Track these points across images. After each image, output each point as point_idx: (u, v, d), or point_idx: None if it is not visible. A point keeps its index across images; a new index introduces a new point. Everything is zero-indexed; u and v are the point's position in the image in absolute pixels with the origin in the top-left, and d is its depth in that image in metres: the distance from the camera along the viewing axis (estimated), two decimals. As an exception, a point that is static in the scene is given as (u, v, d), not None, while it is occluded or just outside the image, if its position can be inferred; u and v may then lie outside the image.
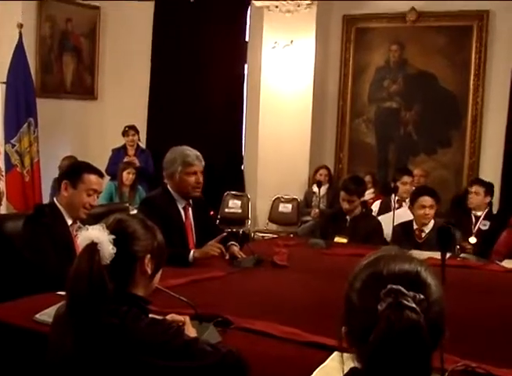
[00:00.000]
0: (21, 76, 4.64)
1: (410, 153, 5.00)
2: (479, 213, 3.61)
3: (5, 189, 4.44)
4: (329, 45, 5.15)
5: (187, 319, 1.40)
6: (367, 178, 4.46)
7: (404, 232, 3.10)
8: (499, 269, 2.58)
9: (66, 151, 5.03)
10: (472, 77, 4.73)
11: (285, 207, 5.13)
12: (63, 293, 1.28)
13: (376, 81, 5.06)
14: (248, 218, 5.29)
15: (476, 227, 3.57)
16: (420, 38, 4.88)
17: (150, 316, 1.25)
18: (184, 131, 5.24)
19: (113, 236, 1.17)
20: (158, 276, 1.31)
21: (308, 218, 4.75)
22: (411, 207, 3.15)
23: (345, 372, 0.86)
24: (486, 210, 3.64)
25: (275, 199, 5.16)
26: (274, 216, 5.18)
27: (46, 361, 1.23)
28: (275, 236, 4.35)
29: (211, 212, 3.21)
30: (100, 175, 2.26)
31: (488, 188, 3.62)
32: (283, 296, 1.99)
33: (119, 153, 5.00)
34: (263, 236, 4.93)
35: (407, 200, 3.79)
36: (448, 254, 2.36)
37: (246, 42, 5.39)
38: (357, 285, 0.84)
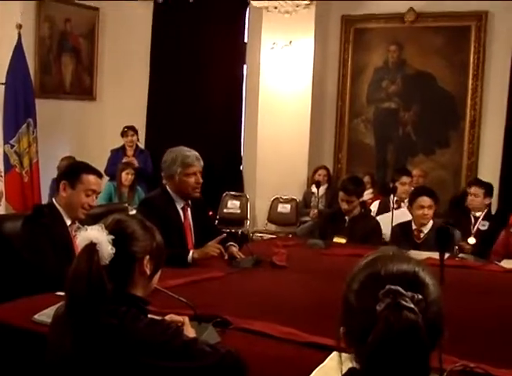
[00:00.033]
0: (20, 76, 4.64)
1: (409, 153, 5.01)
2: (478, 214, 3.61)
3: (4, 189, 4.44)
4: (327, 45, 5.15)
5: (186, 319, 1.41)
6: (366, 179, 4.47)
7: (403, 232, 3.10)
8: (497, 270, 2.59)
9: (65, 152, 5.03)
10: (471, 78, 4.73)
11: (284, 208, 5.13)
12: (61, 293, 1.28)
13: (374, 81, 5.06)
14: (247, 218, 5.30)
15: (475, 228, 3.57)
16: (419, 39, 4.88)
17: (149, 316, 1.25)
18: (183, 132, 5.24)
19: (112, 237, 1.17)
20: (157, 276, 1.31)
21: (307, 218, 4.75)
22: (410, 208, 3.16)
23: (344, 372, 0.86)
24: (485, 210, 3.64)
25: (274, 199, 5.17)
26: (273, 216, 5.18)
27: (45, 361, 1.23)
28: (274, 236, 4.34)
29: (210, 213, 3.22)
30: (99, 175, 2.26)
31: (488, 189, 3.62)
32: (282, 296, 1.99)
33: (118, 153, 5.00)
34: (262, 237, 4.93)
35: (406, 201, 3.79)
36: (446, 255, 2.36)
37: (245, 43, 5.39)
38: (355, 286, 0.84)
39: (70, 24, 5.38)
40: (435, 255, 2.25)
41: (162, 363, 1.14)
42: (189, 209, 2.59)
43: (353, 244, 2.91)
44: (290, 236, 4.29)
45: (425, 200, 3.02)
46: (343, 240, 3.03)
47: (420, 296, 0.78)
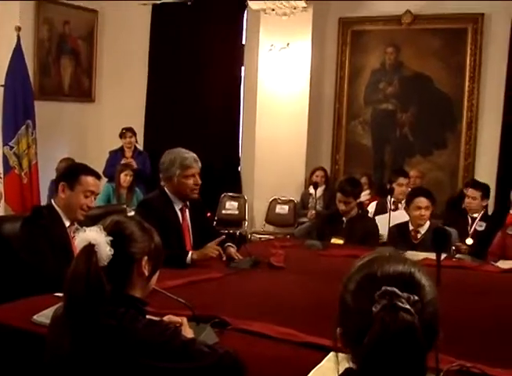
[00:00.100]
0: (19, 78, 4.65)
1: (406, 154, 5.02)
2: (475, 215, 3.63)
3: (3, 191, 4.44)
4: (325, 47, 5.17)
5: (184, 320, 1.41)
6: (363, 180, 4.48)
7: (400, 233, 3.11)
8: (494, 270, 2.60)
9: (64, 153, 5.03)
10: (467, 80, 4.75)
11: (282, 209, 5.14)
12: (60, 294, 1.28)
13: (372, 83, 5.08)
14: (245, 219, 5.30)
15: (472, 228, 3.58)
16: (416, 41, 4.90)
17: (147, 317, 1.25)
18: (181, 133, 5.25)
19: (110, 238, 1.18)
20: (155, 277, 1.31)
21: (305, 219, 4.76)
22: (407, 209, 3.17)
23: (340, 372, 0.86)
24: (482, 212, 3.66)
25: (272, 200, 5.17)
26: (271, 217, 5.19)
27: (44, 362, 1.24)
28: (272, 237, 4.36)
29: (208, 214, 3.22)
30: (97, 176, 2.27)
31: (485, 191, 3.64)
32: (280, 297, 2.00)
33: (116, 155, 5.01)
34: (260, 238, 4.94)
35: (403, 202, 3.81)
36: (443, 255, 2.38)
37: (243, 45, 5.40)
38: (351, 287, 0.84)
39: (69, 26, 5.39)
40: (432, 256, 2.26)
41: (160, 364, 1.14)
42: (187, 210, 2.60)
43: (351, 244, 2.91)
44: (288, 237, 4.30)
45: (422, 201, 3.03)
46: (340, 241, 3.04)
47: (416, 297, 0.79)
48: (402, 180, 4.16)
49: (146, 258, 1.25)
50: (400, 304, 0.77)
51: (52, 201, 2.25)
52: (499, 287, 2.32)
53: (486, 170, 4.67)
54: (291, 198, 5.12)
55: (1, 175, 4.60)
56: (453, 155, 4.88)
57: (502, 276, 2.52)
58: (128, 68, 5.64)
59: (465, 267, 2.61)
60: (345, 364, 0.86)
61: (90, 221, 1.90)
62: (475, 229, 3.57)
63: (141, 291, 1.27)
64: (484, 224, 3.56)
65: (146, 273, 1.26)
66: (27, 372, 1.50)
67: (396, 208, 3.93)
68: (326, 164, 5.15)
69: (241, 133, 5.53)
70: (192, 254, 2.40)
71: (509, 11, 4.53)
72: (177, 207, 2.56)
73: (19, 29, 4.65)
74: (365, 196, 4.48)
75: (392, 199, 3.87)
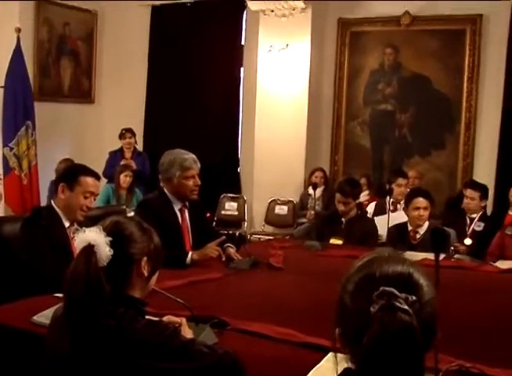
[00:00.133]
0: (19, 80, 4.66)
1: (405, 155, 5.03)
2: (474, 215, 3.64)
3: (3, 192, 4.46)
4: (324, 48, 5.17)
5: (183, 320, 1.41)
6: (362, 181, 4.49)
7: (399, 233, 3.12)
8: (492, 270, 2.61)
9: (63, 154, 5.04)
10: (466, 81, 4.77)
11: (281, 209, 5.15)
12: (60, 295, 1.28)
13: (370, 83, 5.09)
14: (244, 220, 5.31)
15: (470, 229, 3.59)
16: (414, 42, 4.91)
17: (147, 317, 1.25)
18: (181, 134, 5.26)
19: (109, 239, 1.18)
20: (154, 278, 1.32)
21: (304, 220, 4.76)
22: (405, 209, 3.18)
23: (339, 372, 0.86)
24: (481, 212, 3.67)
25: (271, 201, 5.18)
26: (270, 218, 5.19)
27: (44, 363, 1.24)
28: (271, 238, 4.36)
29: (208, 214, 3.23)
30: (97, 177, 2.28)
31: (483, 191, 3.65)
32: (279, 298, 2.00)
33: (116, 155, 5.01)
34: (259, 238, 4.95)
35: (402, 202, 3.82)
36: (442, 256, 2.38)
37: (242, 46, 5.41)
38: (350, 287, 0.85)
39: (69, 28, 5.40)
40: (431, 256, 2.26)
41: (160, 364, 1.15)
42: (186, 211, 2.60)
43: (350, 245, 2.92)
44: (287, 237, 4.30)
45: (421, 202, 3.04)
46: (339, 242, 3.05)
47: (414, 297, 0.79)
48: (400, 181, 4.17)
49: (145, 258, 1.26)
50: (398, 304, 0.77)
51: (52, 202, 2.25)
52: (498, 287, 2.33)
53: (485, 170, 4.68)
54: (290, 199, 5.12)
55: (1, 176, 4.61)
56: (452, 156, 4.89)
57: (500, 276, 2.53)
58: (127, 69, 5.65)
59: (464, 267, 2.62)
60: (344, 364, 0.86)
61: (90, 221, 1.90)
62: (473, 229, 3.58)
63: (140, 291, 1.27)
64: (482, 224, 3.57)
65: (146, 274, 1.26)
66: (27, 372, 1.51)
67: (395, 209, 3.94)
68: (325, 165, 5.16)
69: (240, 134, 5.53)
70: (192, 254, 2.40)
71: (507, 12, 4.54)
72: (176, 208, 2.57)
73: (19, 30, 4.66)
74: (364, 196, 4.48)
75: (391, 199, 3.87)
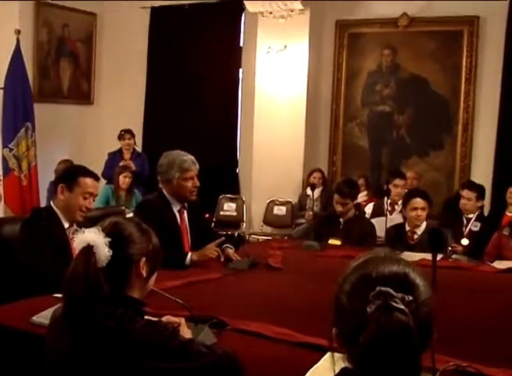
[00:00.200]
0: (19, 81, 4.68)
1: (403, 156, 5.04)
2: (470, 215, 3.65)
3: (2, 192, 4.46)
4: (322, 50, 5.19)
5: (182, 320, 1.42)
6: (360, 181, 4.50)
7: (397, 234, 3.13)
8: (490, 270, 2.62)
9: (63, 155, 5.04)
10: (463, 82, 4.78)
11: (279, 210, 5.15)
12: (59, 295, 1.29)
13: (368, 85, 5.10)
14: (243, 220, 5.31)
15: (467, 229, 3.61)
16: (412, 43, 4.92)
17: (146, 317, 1.26)
18: (180, 135, 5.26)
19: (108, 239, 1.18)
20: (153, 278, 1.32)
21: (302, 220, 4.77)
22: (403, 210, 3.19)
23: (336, 372, 0.87)
24: (478, 212, 3.68)
25: (270, 202, 5.19)
26: (269, 219, 5.20)
27: (43, 363, 1.24)
28: (270, 238, 4.37)
29: (207, 215, 3.24)
30: (96, 178, 2.29)
31: (480, 192, 3.66)
32: (278, 298, 2.01)
33: (115, 156, 5.01)
34: (258, 239, 4.95)
35: (399, 203, 3.83)
36: (440, 256, 2.39)
37: (241, 47, 5.42)
38: (346, 287, 0.85)
39: (68, 29, 5.41)
40: (429, 257, 2.27)
41: (159, 364, 1.15)
42: (185, 212, 2.61)
43: (348, 246, 2.93)
44: (286, 238, 4.31)
45: (418, 202, 3.05)
46: (338, 242, 3.05)
47: (411, 297, 0.79)
48: (398, 181, 4.18)
49: (144, 259, 1.26)
50: (394, 304, 0.77)
51: (51, 203, 2.26)
52: (496, 287, 2.33)
53: (482, 171, 4.69)
54: (289, 199, 5.13)
55: (1, 177, 4.61)
56: (449, 156, 4.90)
57: (498, 276, 2.54)
58: (126, 71, 5.65)
59: (461, 268, 2.63)
60: (341, 364, 0.86)
61: (89, 222, 1.91)
62: (470, 229, 3.60)
63: (139, 291, 1.27)
64: (479, 224, 3.58)
65: (144, 274, 1.27)
66: (27, 372, 1.51)
67: (393, 209, 3.95)
68: (323, 166, 5.17)
69: (239, 135, 5.54)
70: (191, 255, 2.41)
71: (504, 14, 4.56)
72: (175, 209, 2.58)
73: (18, 32, 4.67)
74: (362, 197, 4.50)
75: (389, 200, 3.88)
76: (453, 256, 2.94)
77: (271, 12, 4.71)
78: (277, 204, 5.17)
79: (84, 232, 1.19)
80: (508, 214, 3.80)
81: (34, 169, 4.78)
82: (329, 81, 5.20)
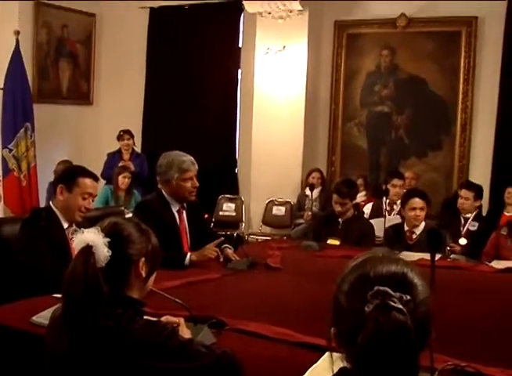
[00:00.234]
0: (18, 82, 4.68)
1: (401, 156, 5.05)
2: (468, 215, 3.66)
3: (2, 193, 4.47)
4: (321, 50, 5.19)
5: (182, 320, 1.42)
6: (359, 181, 4.51)
7: (395, 234, 3.14)
8: (488, 270, 2.63)
9: (62, 155, 5.05)
10: (461, 82, 4.79)
11: (278, 210, 5.16)
12: (59, 295, 1.29)
13: (367, 85, 5.11)
14: (242, 220, 5.32)
15: (465, 228, 3.62)
16: (411, 44, 4.93)
17: (145, 318, 1.26)
18: (179, 136, 5.27)
19: (108, 240, 1.19)
20: (152, 278, 1.32)
21: (301, 220, 4.78)
22: (402, 210, 3.19)
23: (335, 372, 0.87)
24: (476, 212, 3.70)
25: (269, 202, 5.19)
26: (268, 219, 5.21)
27: (43, 363, 1.25)
28: (269, 238, 4.37)
29: (206, 215, 3.24)
30: (95, 178, 2.29)
31: (478, 192, 3.67)
32: (277, 298, 2.01)
33: (114, 157, 5.02)
34: (257, 239, 4.96)
35: (398, 203, 3.84)
36: (438, 256, 2.40)
37: (240, 48, 5.43)
38: (345, 287, 0.85)
39: (67, 30, 5.41)
40: (427, 256, 2.28)
41: (158, 364, 1.15)
42: (184, 212, 2.62)
43: (347, 245, 2.93)
44: (285, 238, 4.32)
45: (417, 202, 3.05)
46: (337, 242, 3.06)
47: (409, 297, 0.79)
48: (396, 181, 4.19)
49: (143, 259, 1.27)
50: (392, 303, 0.78)
51: (51, 203, 2.26)
52: (494, 287, 2.34)
53: (480, 171, 4.70)
54: (288, 200, 5.14)
55: (1, 178, 4.62)
56: (448, 157, 4.91)
57: (496, 276, 2.55)
58: (125, 71, 5.66)
59: (460, 267, 2.63)
60: (340, 364, 0.86)
61: (88, 223, 1.92)
62: (468, 229, 3.61)
63: (138, 291, 1.28)
64: (476, 224, 3.59)
65: (144, 274, 1.27)
66: (27, 372, 1.51)
67: (391, 209, 3.96)
68: (322, 166, 5.18)
69: (238, 135, 5.55)
70: (191, 255, 2.42)
71: (502, 14, 4.57)
72: (174, 209, 2.58)
73: (17, 33, 4.68)
74: (361, 197, 4.51)
75: (387, 200, 3.89)
76: (451, 256, 2.95)
77: (270, 13, 4.72)
78: (276, 205, 5.18)
79: (83, 232, 1.20)
80: (506, 214, 3.82)
81: (33, 169, 4.78)
82: (328, 82, 5.21)
